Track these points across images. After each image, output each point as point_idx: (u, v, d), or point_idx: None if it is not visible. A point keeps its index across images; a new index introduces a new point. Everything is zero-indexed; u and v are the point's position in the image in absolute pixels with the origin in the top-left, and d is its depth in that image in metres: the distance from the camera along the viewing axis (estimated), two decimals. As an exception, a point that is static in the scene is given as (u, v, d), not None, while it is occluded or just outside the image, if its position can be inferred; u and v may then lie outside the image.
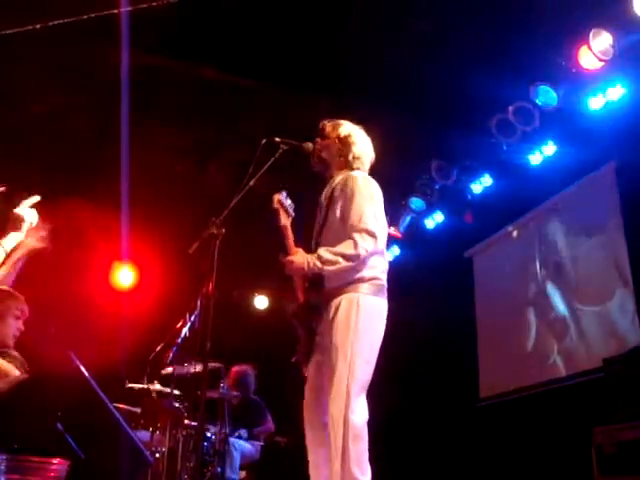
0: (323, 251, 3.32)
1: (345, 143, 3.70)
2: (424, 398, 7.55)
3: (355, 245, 3.27)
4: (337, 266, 3.27)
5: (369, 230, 3.30)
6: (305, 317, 3.47)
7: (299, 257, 3.37)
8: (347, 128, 3.75)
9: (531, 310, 7.13)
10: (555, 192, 6.94)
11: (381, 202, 3.51)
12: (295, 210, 3.60)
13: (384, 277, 3.46)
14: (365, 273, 3.36)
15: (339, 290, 3.35)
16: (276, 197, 3.57)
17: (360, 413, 3.13)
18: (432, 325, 7.84)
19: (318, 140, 3.74)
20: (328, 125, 3.78)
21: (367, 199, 3.41)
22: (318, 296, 3.43)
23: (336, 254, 3.28)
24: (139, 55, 5.99)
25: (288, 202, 3.59)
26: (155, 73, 6.37)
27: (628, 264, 5.86)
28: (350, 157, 3.67)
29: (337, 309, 3.30)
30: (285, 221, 3.56)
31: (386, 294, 3.45)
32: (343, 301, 3.31)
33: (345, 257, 3.27)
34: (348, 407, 3.09)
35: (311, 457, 3.34)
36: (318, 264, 3.28)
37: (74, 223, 7.02)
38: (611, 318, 5.99)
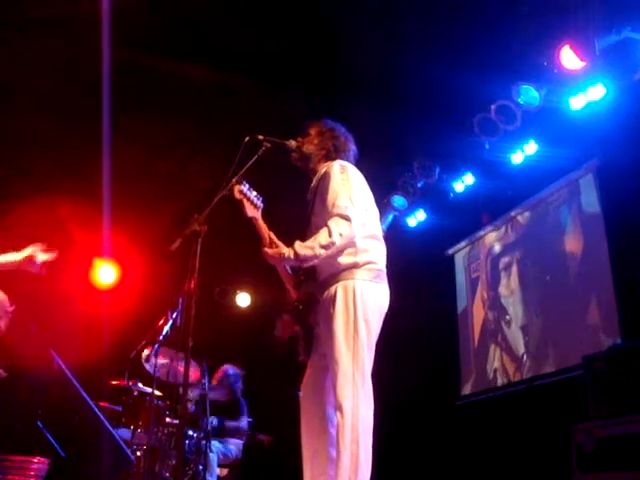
0: (297, 245, 3.27)
1: (327, 136, 3.71)
2: (405, 395, 7.55)
3: (329, 232, 3.22)
4: (315, 259, 3.23)
5: (341, 214, 3.25)
6: (300, 313, 3.44)
7: (276, 249, 3.37)
8: (329, 123, 3.78)
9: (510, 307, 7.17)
10: (536, 191, 6.98)
11: (360, 185, 3.49)
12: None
13: (381, 261, 3.41)
14: (358, 258, 3.32)
15: (334, 278, 3.32)
16: (236, 188, 3.50)
17: (367, 404, 3.14)
18: (413, 323, 7.84)
19: (300, 138, 3.74)
20: (310, 124, 3.80)
21: (341, 184, 3.38)
22: (314, 287, 3.40)
23: (310, 247, 3.23)
24: (121, 51, 5.94)
25: (253, 193, 3.55)
26: (137, 70, 6.32)
27: (608, 260, 5.90)
28: (332, 149, 3.68)
29: (334, 298, 3.26)
30: (252, 212, 3.54)
31: (385, 279, 3.41)
32: (339, 289, 3.27)
33: (321, 246, 3.21)
34: (356, 398, 3.10)
35: (307, 447, 3.31)
36: (292, 256, 3.24)
37: (55, 218, 6.97)
38: (590, 315, 6.03)
